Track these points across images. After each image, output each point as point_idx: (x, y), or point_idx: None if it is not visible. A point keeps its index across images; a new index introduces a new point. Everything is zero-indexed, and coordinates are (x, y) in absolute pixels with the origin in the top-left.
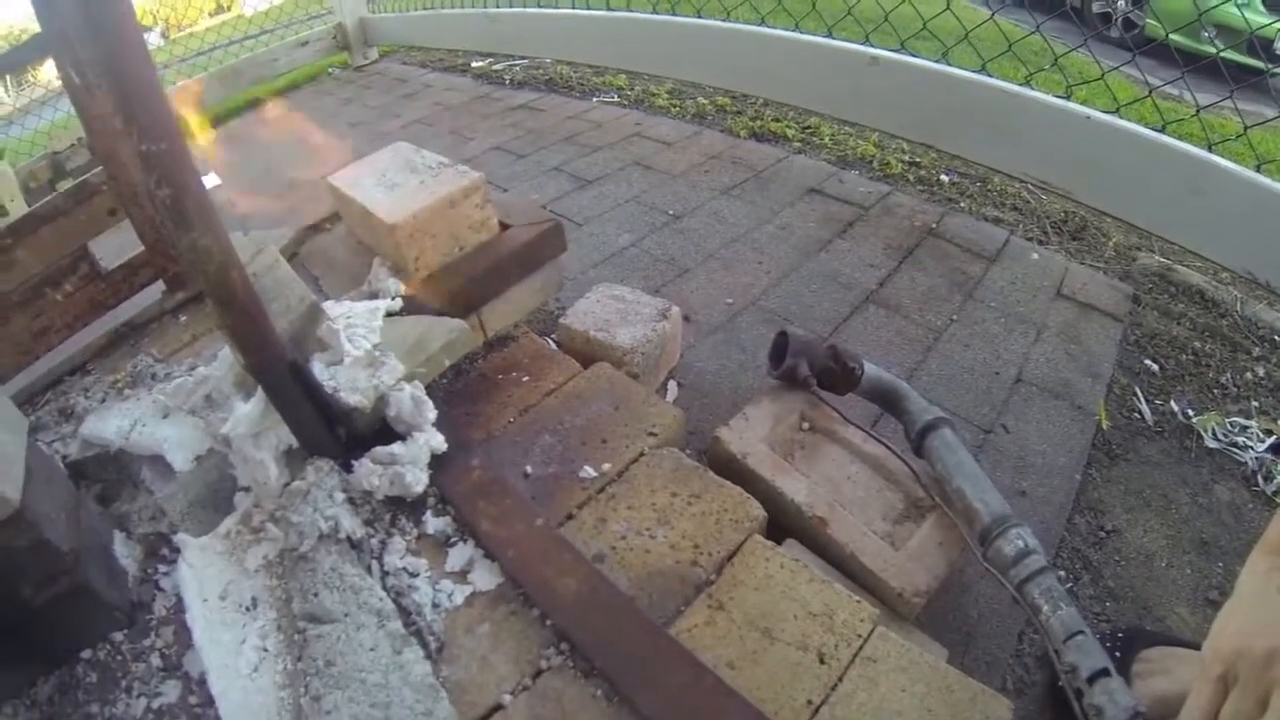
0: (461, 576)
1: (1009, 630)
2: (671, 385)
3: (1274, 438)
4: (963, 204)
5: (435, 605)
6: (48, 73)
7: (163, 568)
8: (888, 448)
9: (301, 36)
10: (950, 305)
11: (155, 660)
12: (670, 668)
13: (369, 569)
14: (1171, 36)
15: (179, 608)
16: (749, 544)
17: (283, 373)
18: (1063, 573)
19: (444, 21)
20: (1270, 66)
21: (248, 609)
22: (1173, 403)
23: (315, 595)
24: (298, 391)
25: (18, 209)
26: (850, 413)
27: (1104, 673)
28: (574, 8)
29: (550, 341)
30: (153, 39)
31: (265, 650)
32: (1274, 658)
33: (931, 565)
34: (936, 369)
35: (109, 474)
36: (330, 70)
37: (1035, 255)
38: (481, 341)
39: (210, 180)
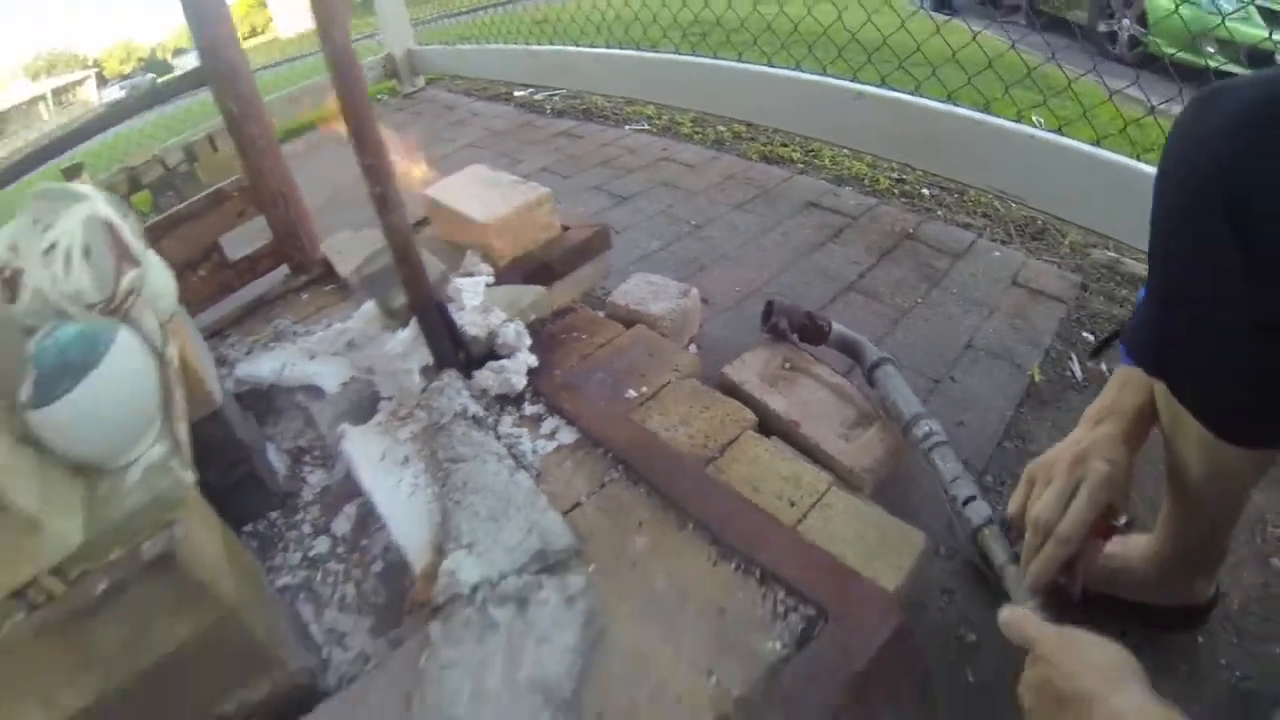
0: (551, 436)
1: (943, 514)
2: (692, 348)
3: None
4: (939, 213)
5: (534, 452)
6: (88, 93)
7: (307, 469)
8: (847, 379)
9: None
10: (917, 292)
11: (306, 528)
12: (688, 477)
13: (488, 434)
14: (1170, 51)
15: (324, 495)
16: (743, 436)
17: (432, 309)
18: (990, 478)
19: (487, 54)
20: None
21: (401, 464)
22: (1104, 365)
23: (453, 448)
24: (440, 322)
25: None
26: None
27: (972, 499)
28: (608, 47)
29: (600, 314)
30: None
31: (417, 485)
32: (1081, 459)
33: (875, 453)
34: (901, 338)
35: (260, 406)
36: (380, 97)
37: (997, 253)
38: (549, 311)
39: None
